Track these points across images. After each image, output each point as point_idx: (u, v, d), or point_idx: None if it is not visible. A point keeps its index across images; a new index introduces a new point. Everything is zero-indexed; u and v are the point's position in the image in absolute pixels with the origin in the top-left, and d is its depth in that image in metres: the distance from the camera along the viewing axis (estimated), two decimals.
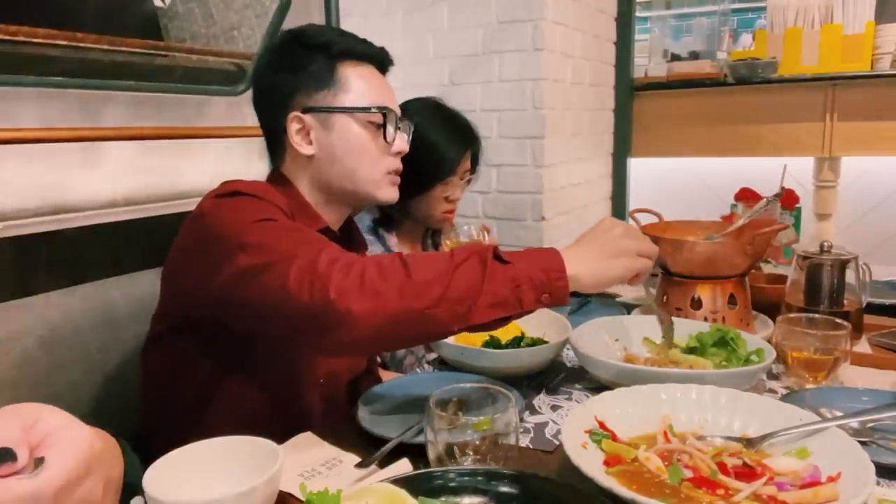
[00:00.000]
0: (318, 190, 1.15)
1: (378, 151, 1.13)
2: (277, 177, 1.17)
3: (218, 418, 1.03)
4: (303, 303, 0.84)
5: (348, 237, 1.24)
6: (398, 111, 1.17)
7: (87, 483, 0.46)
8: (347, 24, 2.26)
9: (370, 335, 0.85)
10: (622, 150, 3.24)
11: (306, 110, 1.11)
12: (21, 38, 1.30)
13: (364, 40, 1.17)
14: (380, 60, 1.18)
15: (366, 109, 1.11)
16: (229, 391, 1.06)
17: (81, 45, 1.41)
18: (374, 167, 1.14)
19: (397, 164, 1.17)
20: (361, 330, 0.83)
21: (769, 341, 1.14)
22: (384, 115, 1.12)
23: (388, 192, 1.17)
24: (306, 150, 1.12)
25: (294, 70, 1.12)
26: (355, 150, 1.12)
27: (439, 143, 1.60)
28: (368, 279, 0.84)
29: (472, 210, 2.67)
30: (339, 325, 0.83)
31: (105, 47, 1.46)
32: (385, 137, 1.12)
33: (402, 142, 1.17)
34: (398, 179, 1.18)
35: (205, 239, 0.98)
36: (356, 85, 1.12)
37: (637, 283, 1.01)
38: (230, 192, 1.02)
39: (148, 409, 1.14)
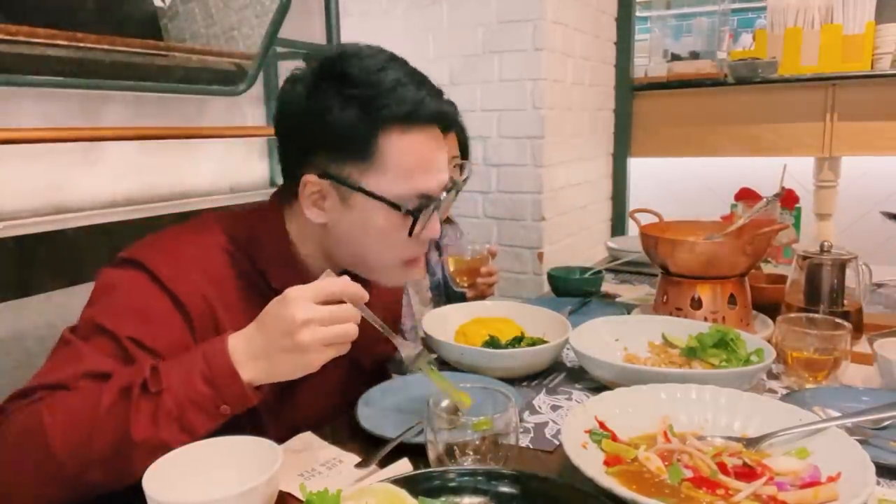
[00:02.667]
0: (319, 252, 0.99)
1: (400, 241, 0.93)
2: (275, 210, 0.99)
3: None
4: None
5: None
6: (444, 183, 0.95)
7: None
8: (347, 24, 2.27)
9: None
10: (622, 150, 3.24)
11: (325, 175, 0.90)
12: (21, 38, 1.30)
13: (434, 96, 0.93)
14: (444, 121, 0.96)
15: (396, 207, 0.90)
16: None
17: (81, 45, 1.41)
18: (390, 256, 0.96)
19: (423, 248, 0.98)
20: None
21: (769, 341, 1.14)
22: (417, 211, 0.91)
23: (397, 278, 1.00)
24: (316, 217, 0.93)
25: (322, 116, 0.88)
26: (372, 238, 0.93)
27: None
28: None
29: (473, 210, 2.66)
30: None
31: (105, 47, 1.46)
32: (411, 233, 0.92)
33: (434, 227, 0.95)
34: (419, 261, 1.00)
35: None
36: (397, 163, 0.89)
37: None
38: (125, 261, 0.90)
39: None
